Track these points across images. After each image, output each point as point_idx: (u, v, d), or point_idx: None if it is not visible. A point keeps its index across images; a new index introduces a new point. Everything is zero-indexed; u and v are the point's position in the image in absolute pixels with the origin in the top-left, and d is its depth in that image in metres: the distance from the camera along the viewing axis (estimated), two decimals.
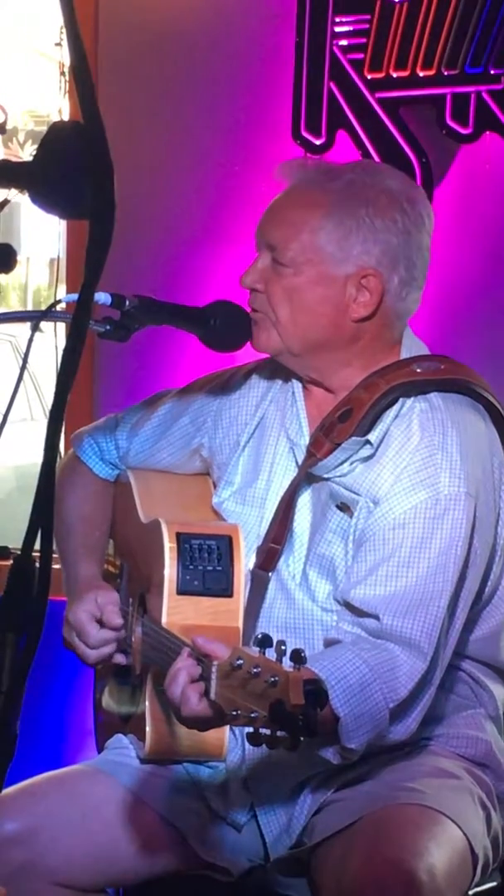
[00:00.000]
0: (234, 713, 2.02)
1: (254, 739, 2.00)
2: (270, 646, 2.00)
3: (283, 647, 1.99)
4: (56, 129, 1.27)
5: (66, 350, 1.29)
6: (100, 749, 2.76)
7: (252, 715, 1.99)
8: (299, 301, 2.51)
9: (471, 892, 2.44)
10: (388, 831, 2.32)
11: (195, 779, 2.58)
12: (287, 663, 1.99)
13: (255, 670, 1.99)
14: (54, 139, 1.25)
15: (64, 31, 3.85)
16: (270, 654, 2.00)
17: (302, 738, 1.96)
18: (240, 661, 2.02)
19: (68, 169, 1.23)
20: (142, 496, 2.71)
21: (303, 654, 1.98)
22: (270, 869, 2.51)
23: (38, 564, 1.35)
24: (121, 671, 2.63)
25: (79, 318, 1.30)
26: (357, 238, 2.48)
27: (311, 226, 2.49)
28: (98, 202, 1.21)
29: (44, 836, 2.46)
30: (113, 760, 2.61)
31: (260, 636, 2.02)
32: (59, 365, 1.28)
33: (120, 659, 2.60)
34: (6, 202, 1.22)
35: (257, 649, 2.02)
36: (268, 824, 2.52)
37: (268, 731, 1.98)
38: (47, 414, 1.31)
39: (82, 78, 1.21)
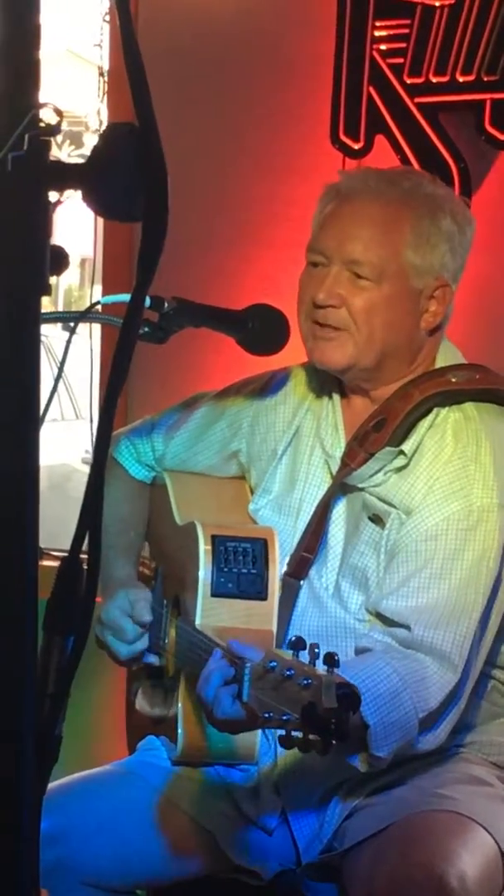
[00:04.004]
0: (267, 716, 2.01)
1: (286, 742, 1.99)
2: (304, 648, 2.00)
3: (316, 651, 1.99)
4: (111, 131, 1.27)
5: (116, 353, 1.29)
6: (131, 750, 2.76)
7: (284, 718, 1.98)
8: (383, 315, 2.48)
9: None
10: (419, 837, 2.32)
11: (226, 782, 2.58)
12: (320, 666, 1.98)
13: (288, 673, 1.99)
14: (109, 141, 1.25)
15: (102, 33, 3.88)
16: (304, 656, 2.00)
17: (334, 742, 1.95)
18: (273, 664, 2.02)
19: (123, 171, 1.23)
20: (178, 498, 2.71)
21: (336, 658, 1.97)
22: (300, 873, 2.51)
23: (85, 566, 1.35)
24: (154, 673, 2.63)
25: (130, 320, 1.30)
26: (440, 250, 2.48)
27: (397, 238, 2.47)
28: (152, 205, 1.21)
29: (75, 836, 2.46)
30: (144, 762, 2.62)
31: (293, 639, 2.01)
32: (109, 368, 1.28)
33: (153, 660, 2.60)
34: (59, 203, 1.23)
35: (291, 652, 2.01)
36: (299, 829, 2.52)
37: (300, 734, 1.97)
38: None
39: (138, 81, 1.21)
